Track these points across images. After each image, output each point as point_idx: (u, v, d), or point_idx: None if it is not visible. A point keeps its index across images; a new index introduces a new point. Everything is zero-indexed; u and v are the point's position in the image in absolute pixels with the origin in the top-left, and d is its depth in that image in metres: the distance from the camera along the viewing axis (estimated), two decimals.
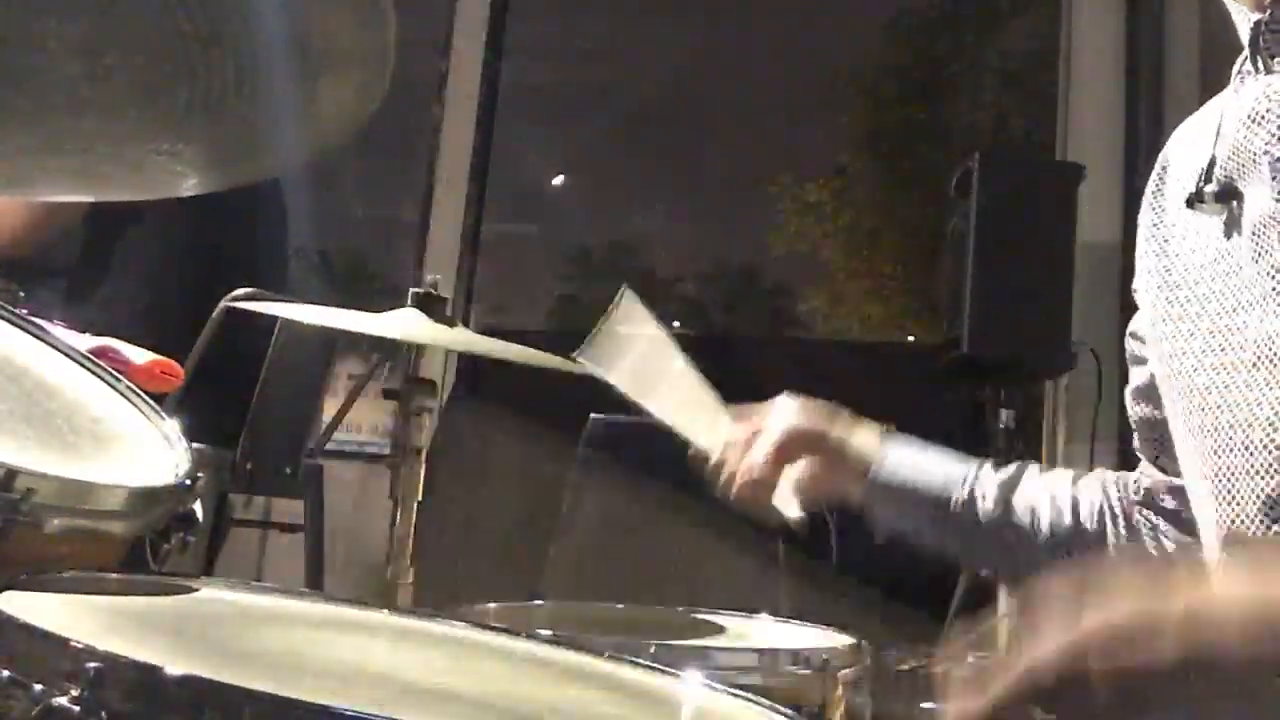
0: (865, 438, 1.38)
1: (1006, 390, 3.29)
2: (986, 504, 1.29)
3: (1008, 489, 1.30)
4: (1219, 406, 1.03)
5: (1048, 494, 1.29)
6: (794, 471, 1.35)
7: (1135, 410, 1.27)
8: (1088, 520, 1.27)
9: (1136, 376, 1.26)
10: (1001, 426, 3.25)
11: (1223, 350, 1.04)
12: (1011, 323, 3.19)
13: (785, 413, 1.40)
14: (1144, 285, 1.19)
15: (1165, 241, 1.15)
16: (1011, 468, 1.34)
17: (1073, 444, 3.66)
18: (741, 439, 1.39)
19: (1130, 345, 1.28)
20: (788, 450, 1.36)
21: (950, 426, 3.69)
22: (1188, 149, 1.15)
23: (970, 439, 3.55)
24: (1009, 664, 0.77)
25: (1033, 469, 1.34)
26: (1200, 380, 1.06)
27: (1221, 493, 1.03)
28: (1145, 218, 1.20)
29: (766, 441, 1.36)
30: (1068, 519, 1.27)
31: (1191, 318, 1.08)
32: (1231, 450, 1.02)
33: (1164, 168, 1.20)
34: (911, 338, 13.35)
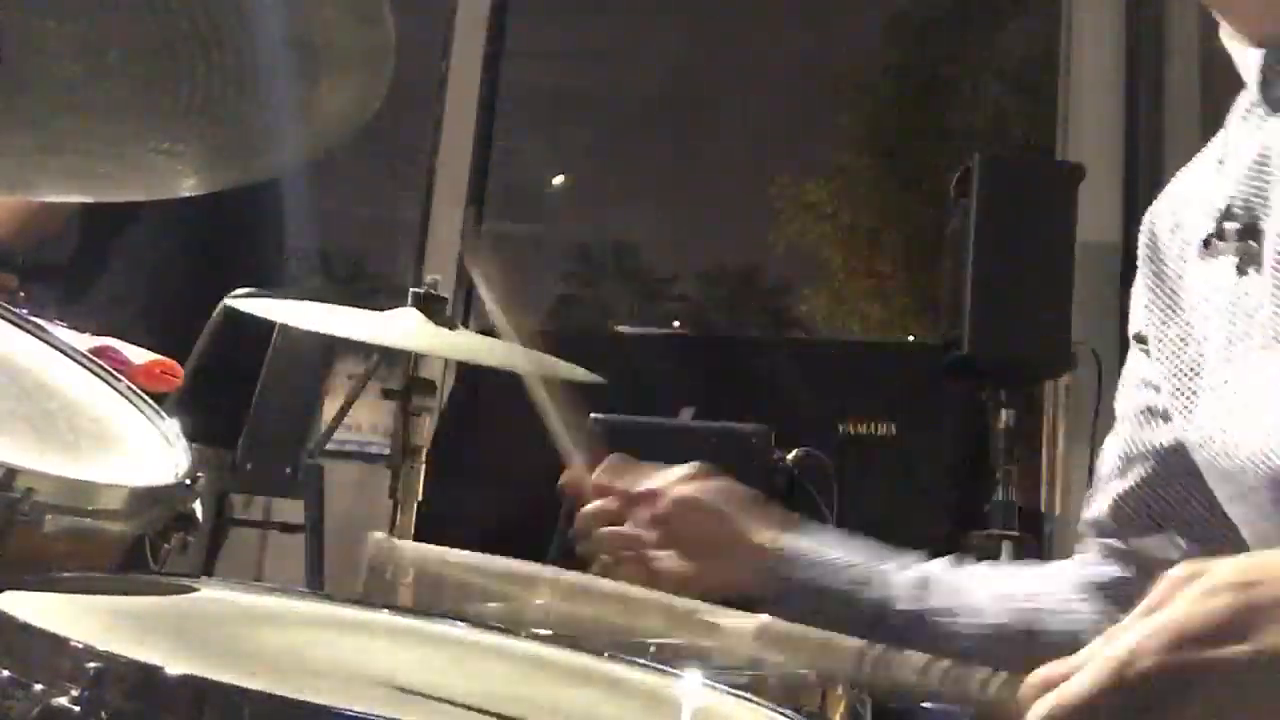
0: (767, 531, 1.23)
1: (1006, 390, 3.29)
2: (900, 605, 1.18)
3: (921, 588, 1.19)
4: (1251, 460, 0.98)
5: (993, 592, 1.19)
6: (674, 550, 1.20)
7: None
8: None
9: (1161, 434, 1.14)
10: (1001, 426, 3.25)
11: (1245, 399, 0.99)
12: (1011, 323, 3.19)
13: (684, 482, 1.24)
14: (1157, 354, 1.12)
15: (1173, 297, 1.10)
16: (928, 568, 1.22)
17: (1073, 444, 3.67)
18: (620, 495, 1.25)
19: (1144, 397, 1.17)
20: (674, 523, 1.21)
21: (950, 426, 3.69)
22: (1185, 201, 1.11)
23: (970, 439, 3.56)
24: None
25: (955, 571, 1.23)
26: (1232, 439, 1.00)
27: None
28: (1140, 287, 1.15)
29: (651, 508, 1.21)
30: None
31: (1208, 370, 1.04)
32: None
33: (1152, 229, 1.15)
34: (911, 338, 13.36)
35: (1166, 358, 1.11)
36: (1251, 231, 1.01)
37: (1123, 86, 3.97)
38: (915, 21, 13.02)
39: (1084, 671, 0.72)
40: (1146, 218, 1.17)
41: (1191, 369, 1.07)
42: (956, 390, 3.59)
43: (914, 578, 1.21)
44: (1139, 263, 1.16)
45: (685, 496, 1.23)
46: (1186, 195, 1.13)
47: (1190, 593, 0.72)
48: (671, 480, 1.25)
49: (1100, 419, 3.52)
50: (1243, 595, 0.71)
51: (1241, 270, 1.02)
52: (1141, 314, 1.15)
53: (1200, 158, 1.13)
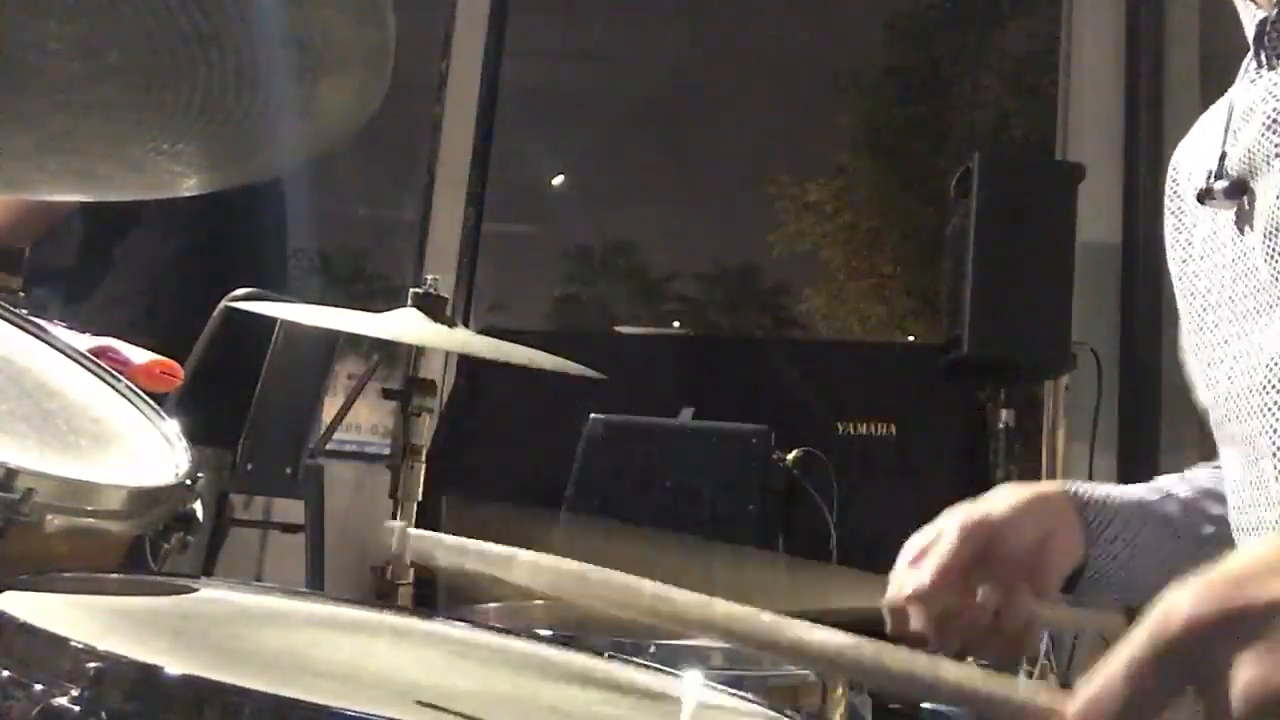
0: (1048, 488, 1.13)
1: (1006, 390, 3.29)
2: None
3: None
4: (1245, 415, 1.02)
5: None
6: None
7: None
8: None
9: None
10: (1001, 426, 3.25)
11: (1241, 358, 1.02)
12: (1011, 323, 3.19)
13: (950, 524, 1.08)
14: (1179, 293, 1.16)
15: (1189, 245, 1.14)
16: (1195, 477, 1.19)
17: (1073, 444, 3.67)
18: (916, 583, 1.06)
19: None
20: (995, 550, 1.05)
21: (950, 426, 3.69)
22: (1197, 147, 1.15)
23: (970, 439, 3.56)
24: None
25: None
26: (1225, 389, 1.04)
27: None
28: (1168, 224, 1.19)
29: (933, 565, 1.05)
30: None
31: (1215, 325, 1.07)
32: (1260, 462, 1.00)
33: (1175, 169, 1.19)
34: (911, 338, 13.38)
35: (1184, 295, 1.14)
36: (1242, 188, 1.03)
37: (1123, 86, 3.97)
38: (915, 22, 13.04)
39: (1121, 647, 0.67)
40: (1174, 157, 1.19)
41: (1202, 311, 1.09)
42: (956, 390, 3.59)
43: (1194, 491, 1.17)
44: (1166, 199, 1.19)
45: (981, 522, 1.08)
46: (1199, 143, 1.15)
47: (1224, 557, 0.70)
48: (956, 532, 1.08)
49: (1100, 419, 3.52)
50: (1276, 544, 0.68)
51: (1240, 228, 1.04)
52: (1169, 251, 1.18)
53: (1216, 105, 1.15)
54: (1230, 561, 0.69)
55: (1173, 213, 1.18)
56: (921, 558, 1.07)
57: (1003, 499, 1.10)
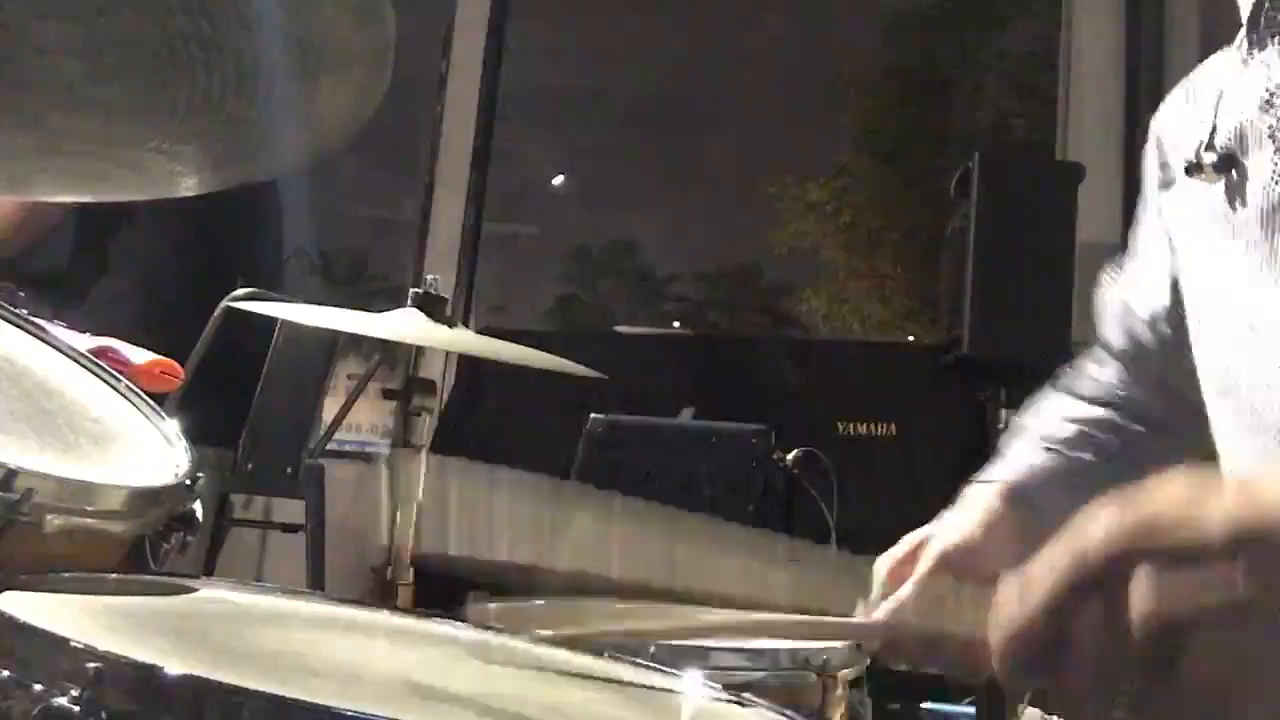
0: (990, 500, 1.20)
1: (1006, 390, 3.29)
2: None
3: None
4: (1247, 389, 1.02)
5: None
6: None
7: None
8: None
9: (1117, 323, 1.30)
10: (1001, 426, 3.25)
11: (1242, 332, 1.03)
12: (1011, 323, 3.19)
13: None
14: (1176, 266, 1.16)
15: (1187, 221, 1.13)
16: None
17: None
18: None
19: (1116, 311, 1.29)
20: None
21: (950, 426, 3.69)
22: (1181, 118, 1.14)
23: (970, 439, 3.56)
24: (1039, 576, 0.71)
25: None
26: (1227, 362, 1.05)
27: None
28: (1164, 196, 1.17)
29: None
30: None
31: (1213, 300, 1.07)
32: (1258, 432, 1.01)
33: (1159, 138, 1.18)
34: (911, 338, 13.38)
35: (1182, 270, 1.14)
36: (1231, 163, 1.03)
37: (1123, 86, 3.97)
38: (915, 22, 13.04)
39: (1038, 578, 0.71)
40: (1153, 125, 1.19)
41: (1201, 289, 1.10)
42: (956, 390, 3.59)
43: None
44: (1155, 168, 1.18)
45: (960, 548, 1.13)
46: (1184, 114, 1.15)
47: (1150, 483, 0.71)
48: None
49: None
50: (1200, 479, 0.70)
51: (1230, 202, 1.04)
52: (1153, 222, 1.19)
53: (1197, 72, 1.15)
54: (1147, 496, 0.71)
55: (1165, 183, 1.17)
56: (900, 578, 1.11)
57: (970, 522, 1.17)
